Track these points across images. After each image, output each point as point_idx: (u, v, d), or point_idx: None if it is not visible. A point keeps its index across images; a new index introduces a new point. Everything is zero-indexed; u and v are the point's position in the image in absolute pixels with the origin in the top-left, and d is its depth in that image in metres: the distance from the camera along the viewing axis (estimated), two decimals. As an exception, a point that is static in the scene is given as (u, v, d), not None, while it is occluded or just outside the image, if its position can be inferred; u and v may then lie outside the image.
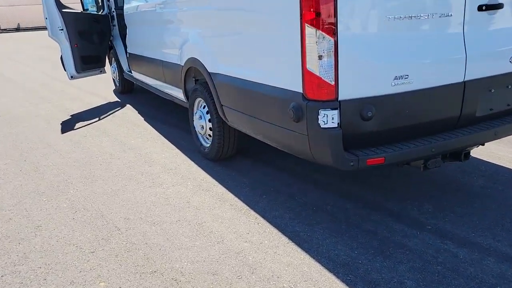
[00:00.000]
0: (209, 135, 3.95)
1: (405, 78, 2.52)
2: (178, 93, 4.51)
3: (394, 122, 2.59)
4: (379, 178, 3.47)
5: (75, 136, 5.00)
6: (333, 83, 2.41)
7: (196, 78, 4.22)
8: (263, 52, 2.80)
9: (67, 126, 5.45)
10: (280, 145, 2.92)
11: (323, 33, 2.34)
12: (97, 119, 5.74)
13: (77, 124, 5.52)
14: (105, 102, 6.75)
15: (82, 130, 5.22)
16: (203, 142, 4.10)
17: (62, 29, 5.96)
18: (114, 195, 3.41)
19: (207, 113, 3.90)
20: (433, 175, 3.48)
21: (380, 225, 2.81)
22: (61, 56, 6.18)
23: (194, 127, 4.18)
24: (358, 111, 2.48)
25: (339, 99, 2.44)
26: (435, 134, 2.76)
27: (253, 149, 4.23)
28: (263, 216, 2.99)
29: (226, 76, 3.33)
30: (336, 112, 2.42)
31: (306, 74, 2.46)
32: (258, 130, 3.09)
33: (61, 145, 4.67)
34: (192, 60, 3.87)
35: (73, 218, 3.07)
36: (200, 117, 3.95)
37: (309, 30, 2.37)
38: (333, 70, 2.39)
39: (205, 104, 3.94)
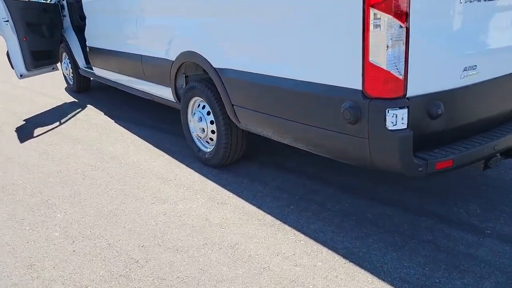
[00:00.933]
0: (211, 138, 3.48)
1: (473, 69, 2.24)
2: (164, 92, 3.98)
3: (460, 119, 2.31)
4: (405, 179, 3.20)
5: (38, 144, 4.31)
6: (401, 77, 2.07)
7: (186, 74, 3.72)
8: (303, 44, 2.39)
9: (25, 133, 4.72)
10: (321, 149, 2.54)
11: (394, 18, 1.99)
12: (57, 123, 5.04)
13: (35, 130, 4.79)
14: (60, 103, 6.01)
15: (45, 137, 4.53)
16: (202, 147, 3.63)
17: (7, 21, 5.17)
18: (114, 216, 2.87)
19: (208, 114, 3.43)
20: (459, 172, 3.27)
21: (436, 233, 2.53)
22: (8, 52, 5.38)
23: (190, 131, 3.69)
24: (426, 108, 2.17)
25: (407, 95, 2.11)
26: (489, 130, 2.52)
27: (253, 150, 3.81)
28: (302, 232, 2.61)
29: (240, 72, 2.89)
30: (405, 111, 2.09)
31: (369, 68, 2.10)
32: (289, 134, 2.69)
33: (25, 157, 3.99)
34: (188, 54, 3.38)
35: (74, 251, 2.51)
36: (200, 119, 3.47)
37: (375, 15, 2.01)
38: (403, 63, 2.06)
39: (204, 104, 3.46)
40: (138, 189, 3.25)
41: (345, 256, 2.36)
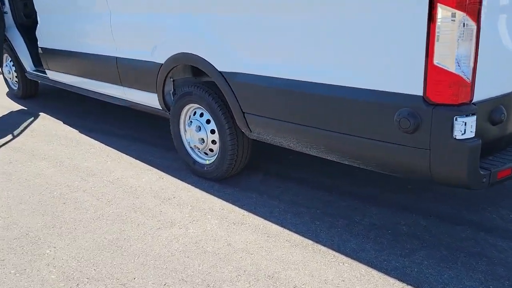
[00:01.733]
0: (211, 149, 3.14)
1: (530, 70, 2.10)
2: (147, 99, 3.56)
3: (516, 124, 2.16)
4: (424, 184, 3.06)
5: (-5, 163, 3.72)
6: (469, 81, 1.88)
7: (173, 78, 3.34)
8: (348, 44, 2.12)
9: (-26, 150, 4.07)
10: (363, 161, 2.30)
11: (466, 15, 1.78)
12: (11, 136, 4.42)
13: (-14, 146, 4.16)
14: (6, 112, 5.31)
15: (0, 155, 3.92)
16: (198, 159, 3.26)
17: None
18: (118, 248, 2.45)
19: (207, 122, 3.08)
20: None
21: (482, 243, 2.39)
22: None
23: (184, 141, 3.31)
24: (488, 114, 2.00)
25: (473, 101, 1.92)
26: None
27: (252, 159, 3.50)
28: (340, 252, 2.36)
29: (257, 76, 2.58)
30: (474, 118, 1.90)
31: (432, 71, 1.88)
32: (320, 144, 2.42)
33: (-17, 179, 3.40)
34: (183, 56, 3.00)
35: (82, 297, 2.09)
36: (199, 128, 3.10)
37: (444, 12, 1.80)
38: (472, 65, 1.86)
39: (203, 112, 3.11)
40: (135, 212, 2.83)
41: (400, 279, 2.14)
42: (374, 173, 3.23)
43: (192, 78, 3.44)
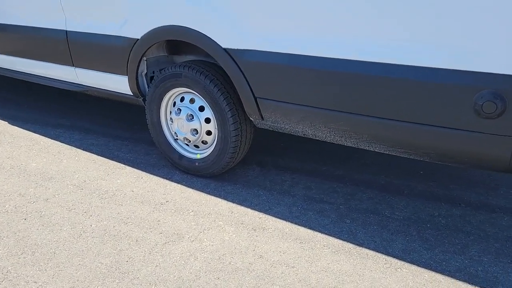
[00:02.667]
0: (204, 141, 2.66)
1: None
2: (112, 83, 2.94)
3: None
4: (431, 168, 2.89)
5: None
6: None
7: (146, 58, 2.78)
8: (411, 11, 1.79)
9: None
10: (422, 152, 2.00)
11: None
12: None
13: None
14: None
15: None
16: (186, 153, 2.77)
17: None
18: (123, 275, 1.92)
19: (200, 110, 2.59)
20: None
21: (527, 231, 2.26)
22: None
23: (165, 133, 2.78)
24: None
25: None
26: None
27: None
28: (390, 255, 2.08)
29: (276, 54, 2.15)
30: None
31: (528, 47, 1.62)
32: (363, 133, 2.08)
33: None
34: (170, 30, 2.46)
35: None
36: (191, 117, 2.60)
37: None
38: None
39: (193, 98, 2.61)
40: (125, 224, 2.29)
41: (470, 282, 1.91)
42: (379, 156, 2.99)
43: (165, 56, 2.90)
